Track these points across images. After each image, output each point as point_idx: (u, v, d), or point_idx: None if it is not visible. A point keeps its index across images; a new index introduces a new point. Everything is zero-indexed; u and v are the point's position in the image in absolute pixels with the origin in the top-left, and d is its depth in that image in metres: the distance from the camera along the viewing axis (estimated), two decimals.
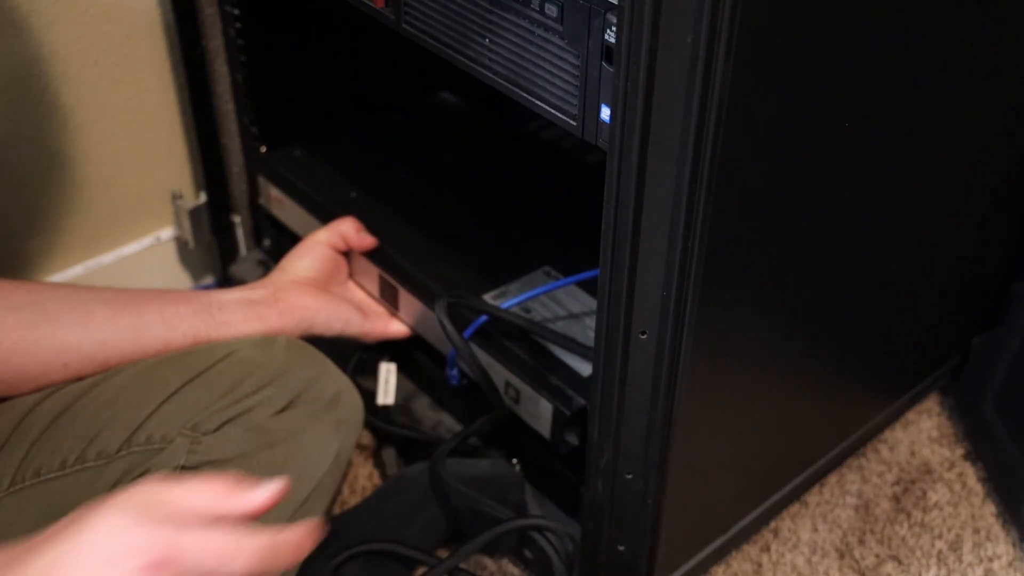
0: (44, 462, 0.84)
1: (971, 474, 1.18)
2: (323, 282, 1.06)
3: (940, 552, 1.09)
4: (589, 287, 1.04)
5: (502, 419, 1.00)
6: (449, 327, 0.95)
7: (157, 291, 0.96)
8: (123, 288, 0.95)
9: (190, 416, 0.85)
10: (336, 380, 0.95)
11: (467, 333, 0.99)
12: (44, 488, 0.83)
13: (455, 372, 1.05)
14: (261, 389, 0.88)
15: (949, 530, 1.12)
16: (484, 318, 0.99)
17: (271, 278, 1.05)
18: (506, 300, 1.04)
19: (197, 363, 0.89)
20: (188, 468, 0.82)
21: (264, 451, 0.86)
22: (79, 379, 0.90)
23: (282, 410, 0.89)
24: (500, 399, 0.98)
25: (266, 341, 0.94)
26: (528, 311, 1.02)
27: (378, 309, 1.10)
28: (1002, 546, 1.10)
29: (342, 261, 1.10)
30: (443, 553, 1.05)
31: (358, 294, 1.11)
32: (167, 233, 1.32)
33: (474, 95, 1.34)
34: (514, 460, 1.06)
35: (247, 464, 0.85)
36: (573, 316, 1.02)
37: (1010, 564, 1.08)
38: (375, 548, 0.99)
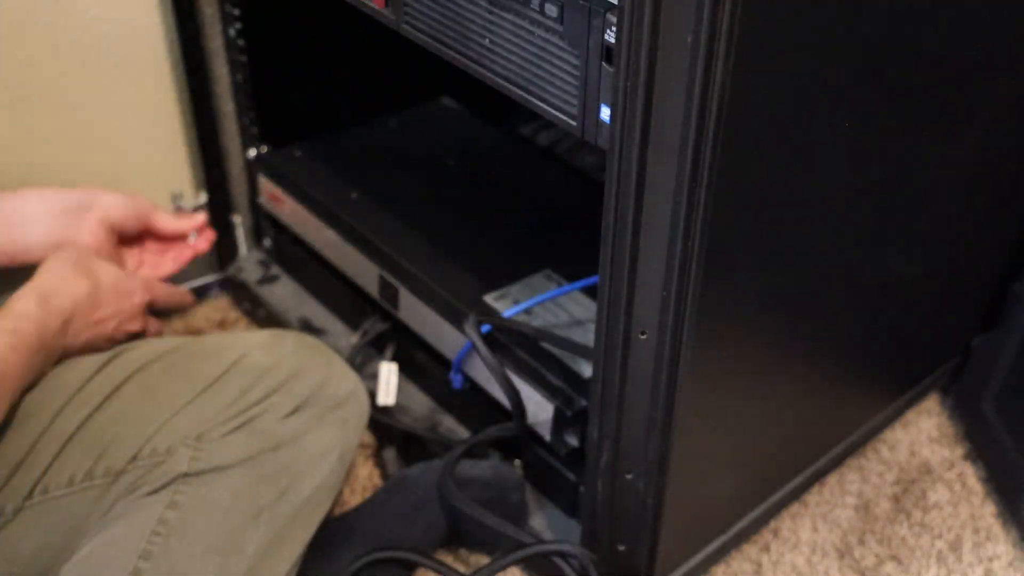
0: (52, 479, 0.83)
1: (971, 474, 1.18)
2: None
3: (940, 552, 1.09)
4: (592, 292, 1.04)
5: (517, 435, 1.00)
6: (483, 348, 0.94)
7: None
8: None
9: (195, 427, 0.84)
10: (347, 380, 0.94)
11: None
12: (53, 505, 0.83)
13: (459, 377, 1.04)
14: (268, 396, 0.88)
15: (949, 530, 1.12)
16: (488, 326, 0.99)
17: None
18: (507, 302, 1.04)
19: (206, 372, 0.88)
20: (191, 475, 0.82)
21: (268, 454, 0.85)
22: None
23: (290, 413, 0.89)
24: (524, 418, 0.98)
25: (275, 342, 0.92)
26: (529, 313, 1.02)
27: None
28: (1002, 546, 1.10)
29: (81, 222, 1.05)
30: (444, 553, 1.05)
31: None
32: None
33: (475, 101, 1.34)
34: (516, 461, 1.06)
35: (251, 467, 0.84)
36: (574, 319, 1.02)
37: (1010, 564, 1.08)
38: (387, 555, 0.98)
